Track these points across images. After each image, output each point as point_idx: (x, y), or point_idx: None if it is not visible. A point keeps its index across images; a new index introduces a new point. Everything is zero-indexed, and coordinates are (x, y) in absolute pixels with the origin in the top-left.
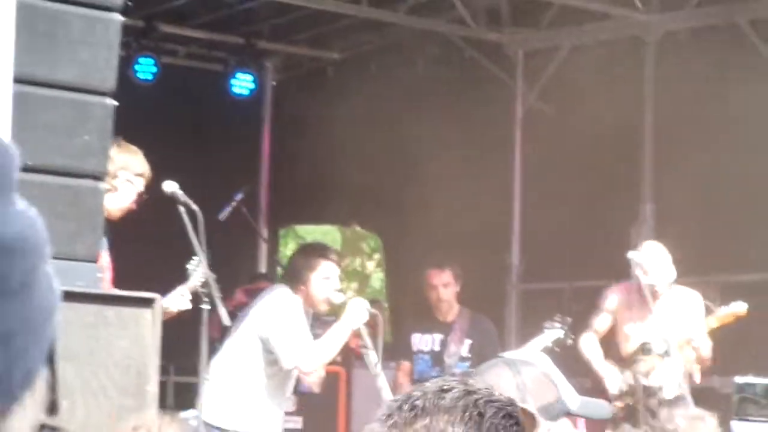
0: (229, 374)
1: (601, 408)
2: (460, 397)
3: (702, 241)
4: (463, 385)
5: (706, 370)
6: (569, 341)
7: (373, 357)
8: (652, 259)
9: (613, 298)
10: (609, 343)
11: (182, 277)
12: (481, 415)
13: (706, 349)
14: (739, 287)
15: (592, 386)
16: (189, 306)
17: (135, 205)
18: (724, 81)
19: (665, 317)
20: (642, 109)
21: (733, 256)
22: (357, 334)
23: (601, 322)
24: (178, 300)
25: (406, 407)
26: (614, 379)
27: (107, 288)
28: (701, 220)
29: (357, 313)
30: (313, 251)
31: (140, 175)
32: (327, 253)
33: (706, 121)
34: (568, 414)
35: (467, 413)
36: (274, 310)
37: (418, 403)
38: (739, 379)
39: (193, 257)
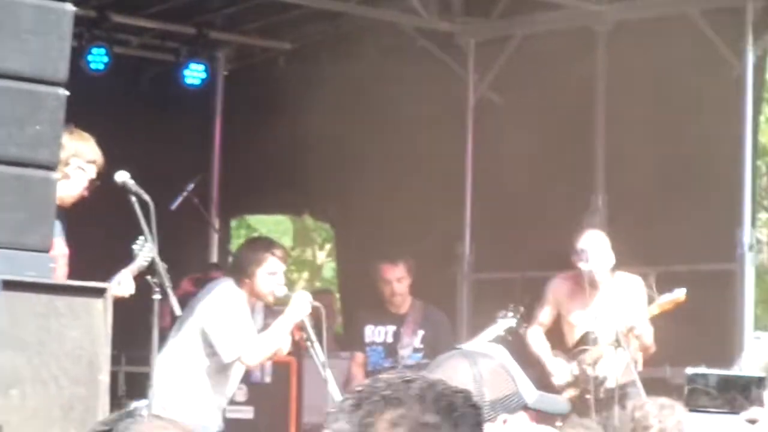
0: (173, 366)
1: (557, 403)
2: (426, 387)
3: (654, 231)
4: (423, 377)
5: (651, 360)
6: (522, 331)
7: (317, 350)
8: (591, 247)
9: (556, 289)
10: (557, 333)
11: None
12: (451, 404)
13: (648, 336)
14: (689, 277)
15: (538, 379)
16: (132, 291)
17: (87, 192)
18: (675, 71)
19: (608, 305)
20: (594, 99)
21: (685, 246)
22: (301, 327)
23: (545, 314)
24: (122, 287)
25: (375, 398)
26: (561, 370)
27: (62, 275)
28: (653, 210)
29: (300, 306)
30: (260, 246)
31: (92, 162)
32: (273, 248)
33: (657, 111)
34: (525, 407)
35: (439, 403)
36: (216, 304)
37: (387, 393)
38: (690, 370)
39: (139, 237)
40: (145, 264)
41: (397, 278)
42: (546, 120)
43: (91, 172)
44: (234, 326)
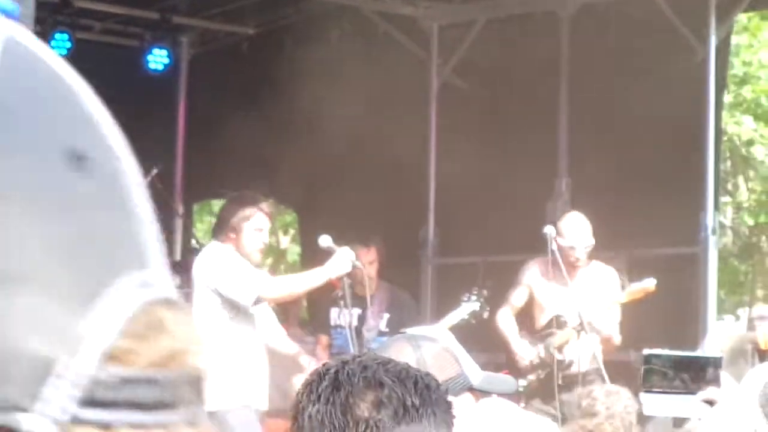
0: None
1: (504, 383)
2: (401, 370)
3: (616, 216)
4: (391, 360)
5: (611, 348)
6: (485, 314)
7: (348, 311)
8: (571, 227)
9: (531, 271)
10: (525, 315)
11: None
12: (427, 386)
13: (608, 329)
14: (652, 261)
15: (506, 361)
16: None
17: None
18: (639, 55)
19: (581, 291)
20: (557, 83)
21: (647, 230)
22: (340, 286)
23: (518, 296)
24: None
25: (354, 379)
26: (526, 353)
27: None
28: (616, 194)
29: (341, 262)
30: (247, 201)
31: None
32: (260, 203)
33: (620, 95)
34: (471, 389)
35: (417, 385)
36: (211, 261)
37: (366, 374)
38: (646, 351)
39: None
40: None
41: (370, 261)
42: (509, 104)
43: None
44: (237, 270)
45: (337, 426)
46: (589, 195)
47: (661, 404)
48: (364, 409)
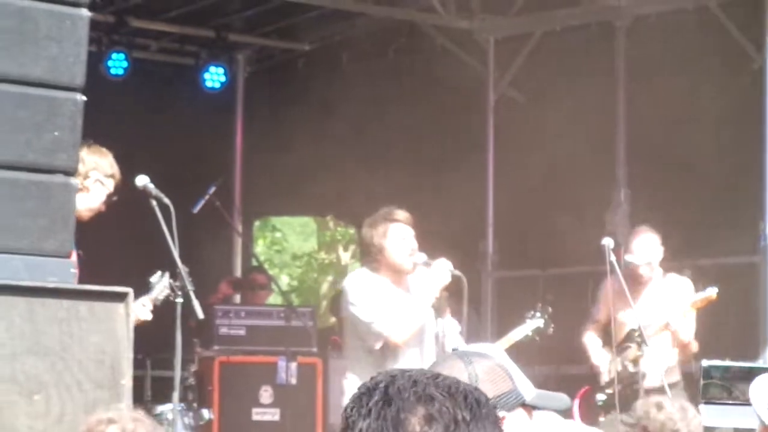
0: (354, 371)
1: (558, 400)
2: (452, 384)
3: (676, 225)
4: (442, 374)
5: (688, 356)
6: (550, 330)
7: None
8: (636, 244)
9: (606, 289)
10: (608, 332)
11: (156, 270)
12: (477, 401)
13: (685, 333)
14: (712, 270)
15: (587, 374)
16: (149, 317)
17: (104, 207)
18: (695, 64)
19: (653, 304)
20: (614, 94)
21: (706, 239)
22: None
23: (599, 312)
24: (140, 310)
25: (405, 394)
26: (602, 363)
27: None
28: (675, 204)
29: (440, 274)
30: (378, 218)
31: (111, 176)
32: (392, 215)
33: (678, 104)
34: (524, 405)
35: (467, 399)
36: (347, 294)
37: (417, 389)
38: (705, 363)
39: (157, 272)
40: (161, 299)
41: None
42: (567, 116)
43: (110, 186)
44: (366, 308)
45: None
46: (648, 205)
47: (720, 415)
48: (415, 423)
